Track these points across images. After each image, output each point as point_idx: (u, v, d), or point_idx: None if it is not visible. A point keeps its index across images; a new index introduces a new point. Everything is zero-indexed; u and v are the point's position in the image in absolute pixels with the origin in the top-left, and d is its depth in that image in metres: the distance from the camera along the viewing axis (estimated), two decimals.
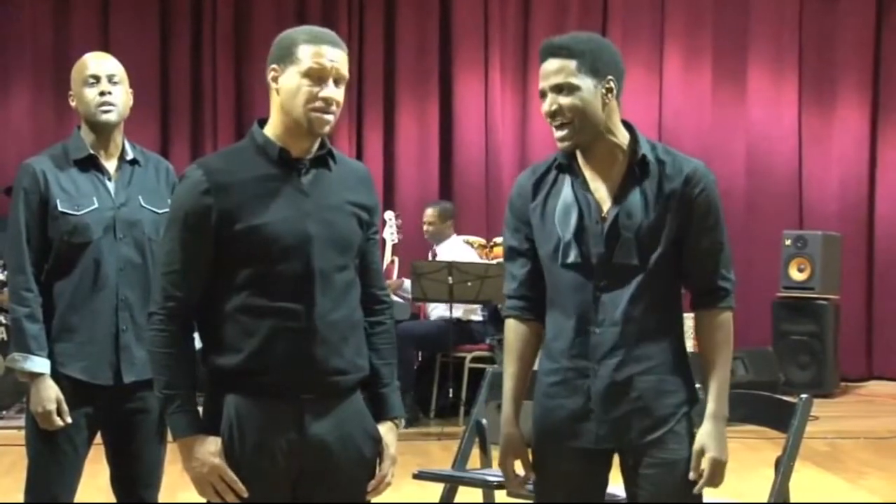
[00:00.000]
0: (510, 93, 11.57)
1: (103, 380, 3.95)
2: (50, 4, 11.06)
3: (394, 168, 11.38)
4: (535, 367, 3.48)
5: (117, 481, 4.08)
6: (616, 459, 3.40)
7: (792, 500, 4.35)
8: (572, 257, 3.29)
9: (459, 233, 10.18)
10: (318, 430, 3.19)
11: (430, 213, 9.66)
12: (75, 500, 4.04)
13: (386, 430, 3.34)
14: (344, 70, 3.19)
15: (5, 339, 8.55)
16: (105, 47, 10.06)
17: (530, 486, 3.48)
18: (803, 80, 11.69)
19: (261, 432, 3.15)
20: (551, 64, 3.31)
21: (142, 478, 4.05)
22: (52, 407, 3.88)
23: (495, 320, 9.47)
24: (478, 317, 9.35)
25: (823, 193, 11.63)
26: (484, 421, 5.02)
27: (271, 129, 3.22)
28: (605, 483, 3.44)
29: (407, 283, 9.38)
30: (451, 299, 8.77)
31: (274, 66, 3.20)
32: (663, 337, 3.32)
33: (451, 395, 8.92)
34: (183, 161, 10.47)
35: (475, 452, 5.04)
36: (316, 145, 3.24)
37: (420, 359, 9.44)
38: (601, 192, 3.32)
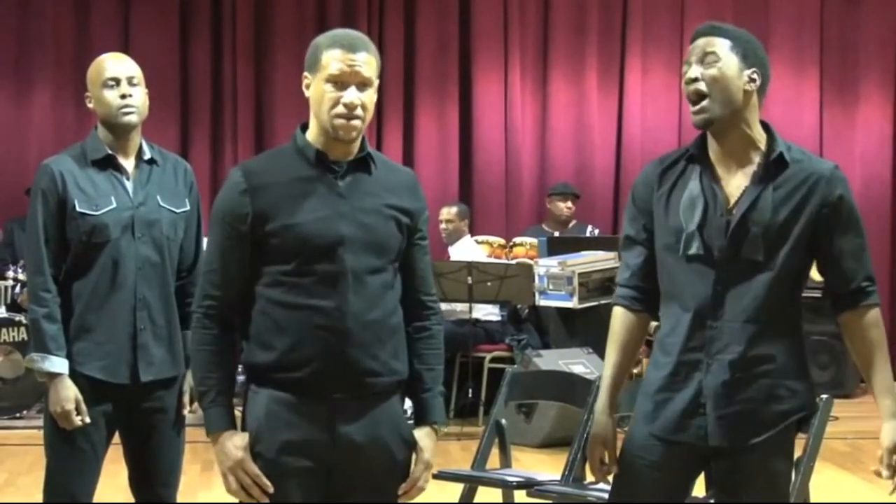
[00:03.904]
0: (530, 94, 11.56)
1: (121, 379, 3.96)
2: (71, 4, 11.09)
3: (413, 169, 11.34)
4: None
5: (135, 481, 4.09)
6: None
7: (812, 500, 4.34)
8: (694, 248, 3.25)
9: (479, 233, 10.19)
10: (349, 431, 3.20)
11: (449, 212, 9.66)
12: (94, 500, 4.04)
13: (423, 434, 3.34)
14: (367, 72, 3.19)
15: (25, 339, 8.57)
16: (125, 48, 10.09)
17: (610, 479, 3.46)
18: (825, 78, 11.65)
19: (290, 430, 3.17)
20: (702, 40, 3.29)
21: (160, 477, 4.05)
22: (71, 406, 3.89)
23: (514, 320, 9.48)
24: (496, 317, 9.34)
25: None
26: (503, 421, 5.02)
27: (310, 134, 3.26)
28: (690, 486, 3.41)
29: None
30: (470, 299, 8.76)
31: (306, 74, 3.24)
32: (783, 339, 3.25)
33: (470, 395, 8.93)
34: (203, 162, 10.53)
35: (494, 452, 5.04)
36: (356, 149, 3.26)
37: None
38: (730, 186, 3.28)
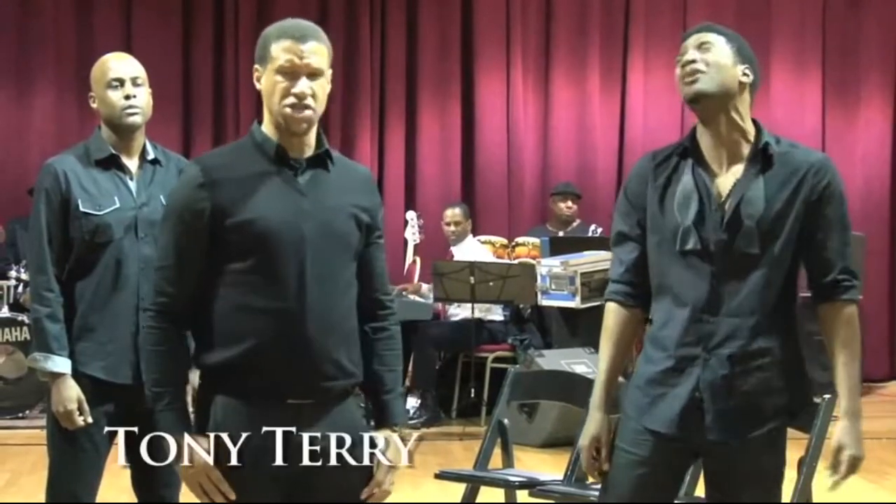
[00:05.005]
0: (532, 93, 11.56)
1: (123, 379, 3.95)
2: (72, 3, 11.09)
3: (415, 168, 11.37)
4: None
5: (138, 481, 4.09)
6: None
7: (814, 501, 4.34)
8: (691, 244, 3.24)
9: (481, 233, 10.19)
10: (308, 434, 3.15)
11: (455, 213, 9.63)
12: (97, 500, 4.04)
13: (384, 437, 3.28)
14: (317, 63, 3.14)
15: (27, 338, 8.58)
16: (127, 47, 10.09)
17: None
18: (826, 80, 11.66)
19: (249, 434, 3.10)
20: (695, 35, 3.34)
21: (162, 477, 4.04)
22: (73, 406, 3.89)
23: (517, 320, 9.48)
24: (499, 317, 9.35)
25: (846, 193, 11.57)
26: (506, 421, 5.03)
27: (267, 129, 3.20)
28: (679, 483, 3.41)
29: (425, 287, 9.37)
30: (472, 299, 8.77)
31: (256, 66, 3.20)
32: (780, 332, 3.27)
33: (472, 395, 8.94)
34: None
35: (497, 452, 5.04)
36: (313, 144, 3.21)
37: (441, 359, 9.44)
38: (722, 179, 3.29)
